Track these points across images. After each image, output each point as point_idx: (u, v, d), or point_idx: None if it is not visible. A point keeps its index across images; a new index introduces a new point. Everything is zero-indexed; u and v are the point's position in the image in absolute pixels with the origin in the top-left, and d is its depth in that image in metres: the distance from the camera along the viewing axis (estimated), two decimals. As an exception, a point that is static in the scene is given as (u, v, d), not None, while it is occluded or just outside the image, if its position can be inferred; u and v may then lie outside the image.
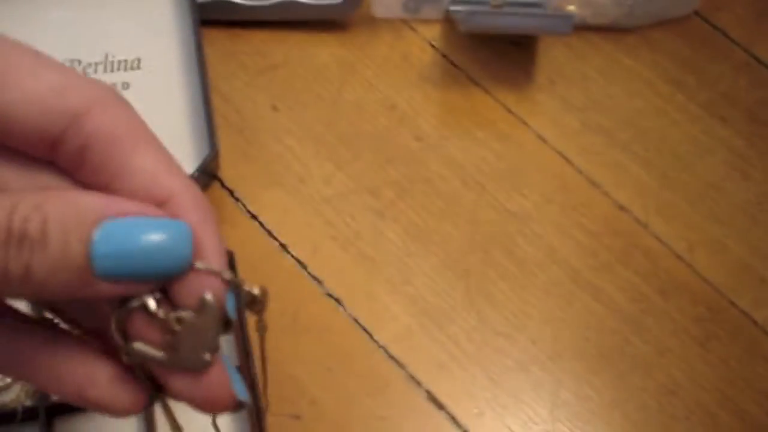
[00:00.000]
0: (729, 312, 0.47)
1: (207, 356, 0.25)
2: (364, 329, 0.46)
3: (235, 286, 0.25)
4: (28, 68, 0.24)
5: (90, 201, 0.23)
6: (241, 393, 0.27)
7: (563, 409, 0.44)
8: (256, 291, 0.26)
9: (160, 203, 0.24)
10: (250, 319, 0.41)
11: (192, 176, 0.46)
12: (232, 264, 0.44)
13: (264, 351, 0.29)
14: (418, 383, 0.45)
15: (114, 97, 0.25)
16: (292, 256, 0.47)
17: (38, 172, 0.25)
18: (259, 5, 0.52)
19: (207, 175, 0.48)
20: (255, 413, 0.41)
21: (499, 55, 0.53)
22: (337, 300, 0.46)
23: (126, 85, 0.49)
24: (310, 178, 0.49)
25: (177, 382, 0.25)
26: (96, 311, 0.27)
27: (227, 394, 0.26)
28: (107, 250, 0.23)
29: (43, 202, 0.23)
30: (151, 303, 0.24)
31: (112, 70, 0.50)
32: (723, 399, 0.45)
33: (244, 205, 0.48)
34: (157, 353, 0.25)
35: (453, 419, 0.44)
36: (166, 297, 0.25)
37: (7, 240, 0.22)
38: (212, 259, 0.24)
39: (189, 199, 0.25)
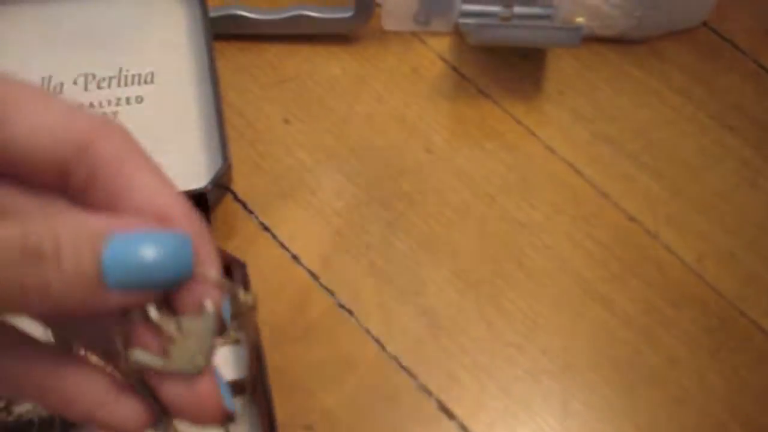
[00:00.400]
0: (739, 322, 0.47)
1: (201, 361, 0.27)
2: (376, 340, 0.46)
3: (231, 294, 0.27)
4: (34, 105, 0.26)
5: (99, 219, 0.25)
6: (230, 404, 0.28)
7: (574, 419, 0.45)
8: (249, 301, 0.28)
9: (160, 218, 0.26)
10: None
11: (205, 188, 0.46)
12: (245, 275, 0.45)
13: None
14: (429, 393, 0.45)
15: (113, 125, 0.27)
16: (304, 267, 0.48)
17: (49, 198, 0.27)
18: (270, 19, 0.53)
19: (220, 188, 0.49)
20: (269, 425, 0.42)
21: (508, 67, 0.54)
22: (349, 311, 0.47)
23: (140, 99, 0.50)
24: (321, 190, 0.50)
25: (170, 389, 0.27)
26: (98, 330, 0.28)
27: (217, 403, 0.27)
28: (117, 263, 0.24)
29: (55, 223, 0.24)
30: (153, 311, 0.26)
31: (125, 84, 0.50)
32: (734, 409, 0.45)
33: (256, 217, 0.49)
34: (156, 359, 0.27)
35: (464, 429, 0.44)
36: (166, 305, 0.27)
37: (23, 258, 0.24)
38: (209, 268, 0.27)
39: (184, 213, 0.27)
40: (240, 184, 0.50)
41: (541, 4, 0.52)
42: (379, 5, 0.53)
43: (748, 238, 0.49)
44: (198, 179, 0.47)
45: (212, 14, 0.52)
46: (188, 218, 0.27)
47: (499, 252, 0.49)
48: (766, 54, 0.55)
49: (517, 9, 0.52)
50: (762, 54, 0.55)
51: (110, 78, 0.50)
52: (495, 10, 0.52)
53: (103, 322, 0.27)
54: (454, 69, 0.54)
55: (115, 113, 0.49)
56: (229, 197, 0.49)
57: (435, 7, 0.53)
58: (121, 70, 0.51)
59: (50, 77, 0.50)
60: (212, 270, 0.27)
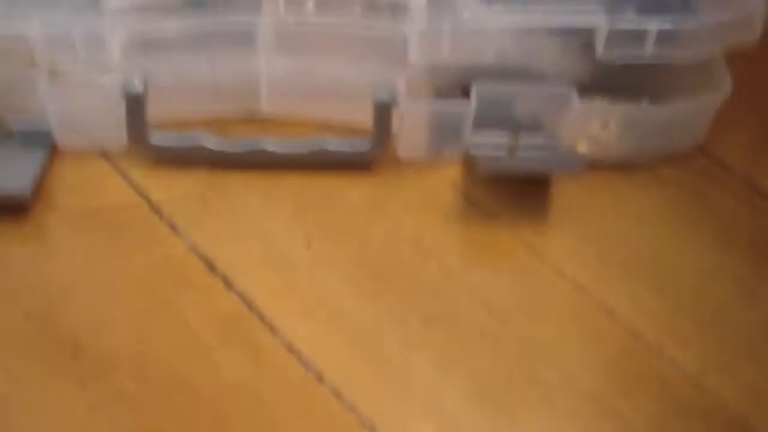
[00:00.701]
0: (744, 433, 0.49)
1: None
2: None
3: None
4: None
5: None
6: None
7: None
8: None
9: None
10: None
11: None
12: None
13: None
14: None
15: None
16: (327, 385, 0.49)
17: None
18: (292, 153, 0.56)
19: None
20: None
21: (516, 192, 0.57)
22: (371, 428, 0.48)
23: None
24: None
25: None
26: None
27: None
28: None
29: None
30: None
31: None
32: None
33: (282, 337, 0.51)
34: None
35: None
36: None
37: None
38: None
39: None
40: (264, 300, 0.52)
41: (545, 133, 0.55)
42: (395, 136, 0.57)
43: (747, 350, 0.52)
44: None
45: (237, 149, 0.56)
46: None
47: (512, 368, 0.51)
48: (758, 174, 0.58)
49: (523, 139, 0.55)
50: (754, 174, 0.58)
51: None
52: (502, 141, 0.55)
53: None
54: (465, 194, 0.57)
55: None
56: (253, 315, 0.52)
57: (445, 139, 0.56)
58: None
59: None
60: None
